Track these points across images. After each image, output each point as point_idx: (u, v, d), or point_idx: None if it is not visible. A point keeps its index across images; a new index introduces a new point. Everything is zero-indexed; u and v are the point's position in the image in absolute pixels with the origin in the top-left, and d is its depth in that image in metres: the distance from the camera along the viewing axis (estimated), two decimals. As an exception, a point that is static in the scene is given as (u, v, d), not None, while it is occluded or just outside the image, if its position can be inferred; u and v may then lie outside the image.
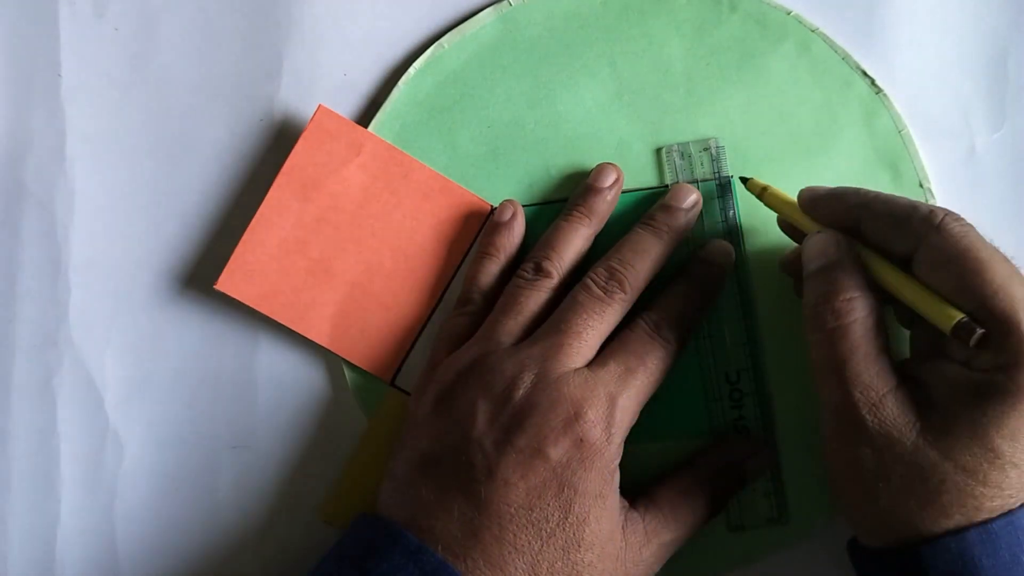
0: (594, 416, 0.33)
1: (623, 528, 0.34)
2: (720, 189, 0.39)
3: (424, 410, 0.36)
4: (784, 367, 0.39)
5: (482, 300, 0.38)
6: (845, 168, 0.40)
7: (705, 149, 0.39)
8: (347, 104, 0.41)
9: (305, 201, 0.39)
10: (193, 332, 0.41)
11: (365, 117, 0.41)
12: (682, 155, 0.39)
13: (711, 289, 0.38)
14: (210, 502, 0.41)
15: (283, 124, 0.41)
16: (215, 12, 0.41)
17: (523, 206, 0.40)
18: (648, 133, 0.40)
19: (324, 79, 0.41)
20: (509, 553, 0.32)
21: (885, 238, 0.33)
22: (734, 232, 0.39)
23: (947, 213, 0.32)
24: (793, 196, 0.36)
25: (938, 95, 0.41)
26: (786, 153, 0.40)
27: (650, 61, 0.40)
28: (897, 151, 0.40)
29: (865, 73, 0.40)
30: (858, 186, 0.35)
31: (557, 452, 0.33)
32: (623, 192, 0.39)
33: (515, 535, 0.32)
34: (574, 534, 0.33)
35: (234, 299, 0.40)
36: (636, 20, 0.40)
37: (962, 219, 0.32)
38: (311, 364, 0.41)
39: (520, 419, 0.33)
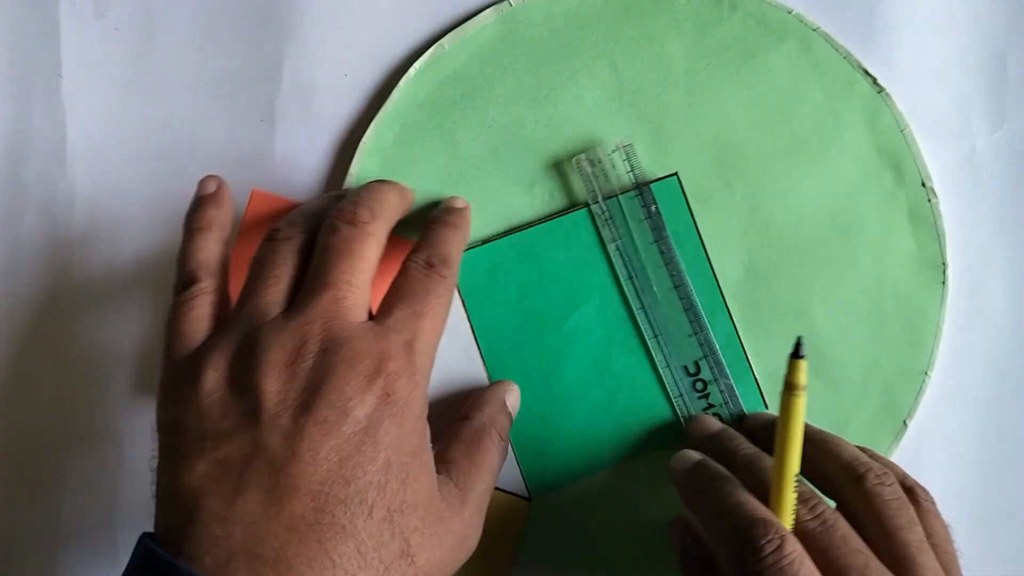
0: (395, 367, 0.31)
1: (440, 489, 0.32)
2: (639, 189, 0.39)
3: (195, 411, 0.30)
4: (768, 352, 0.40)
5: (210, 277, 0.34)
6: (847, 168, 0.40)
7: (614, 150, 0.39)
8: (347, 104, 0.41)
9: None
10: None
11: (365, 117, 0.41)
12: (592, 164, 0.39)
13: (461, 227, 0.37)
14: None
15: (283, 124, 0.41)
16: (215, 12, 0.41)
17: (488, 239, 0.40)
18: (648, 133, 0.40)
19: (324, 79, 0.41)
20: (331, 537, 0.28)
21: (707, 535, 0.33)
22: (659, 227, 0.39)
23: (746, 544, 0.30)
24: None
25: (938, 95, 0.41)
26: (788, 152, 0.40)
27: (650, 61, 0.40)
28: (899, 150, 0.40)
29: (867, 72, 0.40)
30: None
31: (364, 410, 0.30)
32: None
33: (334, 515, 0.29)
34: (395, 497, 0.30)
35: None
36: (636, 20, 0.40)
37: (766, 552, 0.30)
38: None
39: (316, 387, 0.30)
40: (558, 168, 0.40)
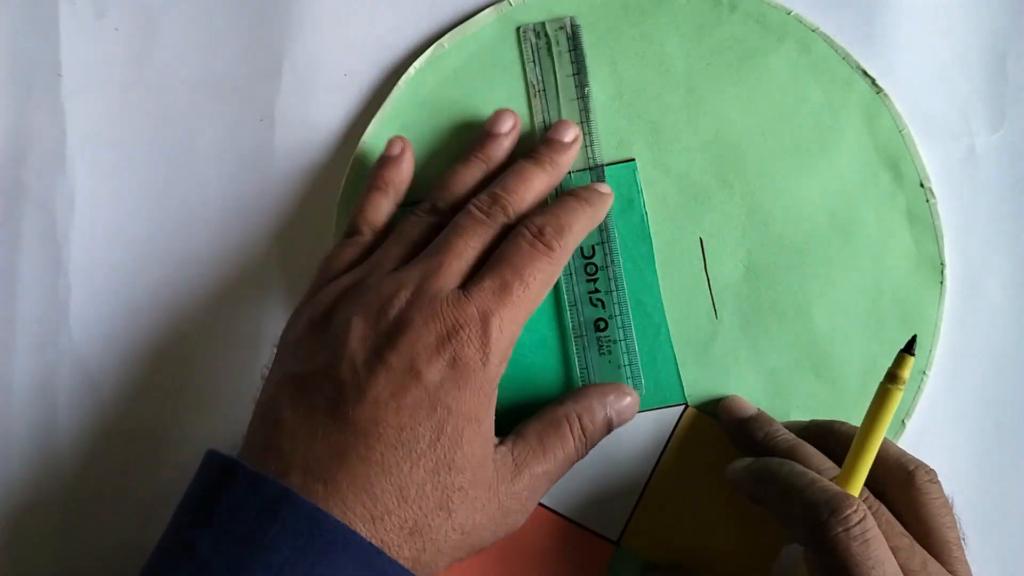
0: (467, 335, 0.32)
1: (494, 459, 0.33)
2: (593, 175, 0.39)
3: (296, 334, 0.34)
4: (768, 351, 0.40)
5: (370, 233, 0.38)
6: (846, 168, 0.40)
7: (561, 27, 0.39)
8: (347, 104, 0.41)
9: None
10: (193, 332, 0.41)
11: (365, 116, 0.41)
12: (537, 34, 0.40)
13: (597, 207, 0.37)
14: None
15: (283, 124, 0.41)
16: (215, 12, 0.41)
17: None
18: (648, 133, 0.40)
19: (324, 79, 0.41)
20: (376, 474, 0.31)
21: (780, 518, 0.33)
22: (606, 224, 0.39)
23: (833, 512, 0.31)
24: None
25: (938, 95, 0.41)
26: (787, 153, 0.40)
27: (650, 61, 0.40)
28: (898, 151, 0.40)
29: (866, 73, 0.40)
30: (768, 466, 0.34)
31: (431, 372, 0.32)
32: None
33: (383, 455, 0.31)
34: (445, 455, 0.32)
35: (232, 298, 0.40)
36: (636, 20, 0.40)
37: (854, 524, 0.30)
38: (311, 364, 0.41)
39: (394, 337, 0.32)
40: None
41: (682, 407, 0.40)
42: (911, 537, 0.33)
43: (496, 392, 0.34)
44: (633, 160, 0.40)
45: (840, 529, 0.30)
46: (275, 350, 0.36)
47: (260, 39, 0.41)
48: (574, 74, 0.40)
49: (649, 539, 0.39)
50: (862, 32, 0.40)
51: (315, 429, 0.31)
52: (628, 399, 0.38)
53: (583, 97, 0.40)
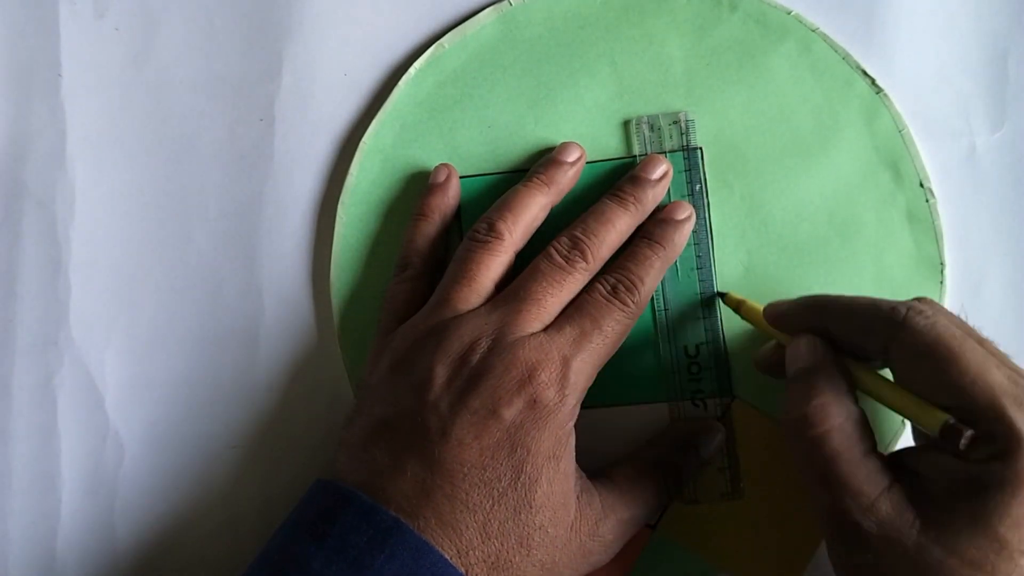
0: (547, 377, 0.33)
1: (578, 499, 0.34)
2: (687, 162, 0.39)
3: (379, 377, 0.36)
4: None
5: (421, 263, 0.39)
6: (845, 168, 0.40)
7: (675, 122, 0.39)
8: (347, 104, 0.41)
9: None
10: (193, 332, 0.41)
11: (365, 117, 0.41)
12: (651, 127, 0.39)
13: (670, 249, 0.37)
14: (210, 502, 0.41)
15: (283, 124, 0.41)
16: (215, 12, 0.41)
17: (493, 173, 0.40)
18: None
19: (324, 79, 0.41)
20: (461, 512, 0.32)
21: (853, 342, 0.33)
22: (699, 207, 0.39)
23: (909, 307, 0.31)
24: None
25: (938, 95, 0.41)
26: (786, 153, 0.40)
27: (650, 61, 0.40)
28: (897, 151, 0.40)
29: (865, 73, 0.40)
30: (822, 294, 0.35)
31: (511, 412, 0.33)
32: (590, 163, 0.40)
33: (467, 494, 0.32)
34: (525, 494, 0.33)
35: (231, 300, 0.40)
36: (636, 20, 0.40)
37: (926, 309, 0.31)
38: (313, 364, 0.41)
39: (475, 381, 0.33)
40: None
41: (729, 399, 0.40)
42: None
43: (573, 433, 0.34)
44: (700, 148, 0.40)
45: (921, 318, 0.31)
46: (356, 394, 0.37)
47: (260, 39, 0.41)
48: (685, 170, 0.39)
49: (686, 527, 0.39)
50: (862, 32, 0.40)
51: (404, 469, 0.33)
52: (718, 437, 0.39)
53: (693, 194, 0.39)
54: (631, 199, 0.38)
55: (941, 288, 0.40)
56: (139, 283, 0.41)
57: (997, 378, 0.30)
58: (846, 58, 0.40)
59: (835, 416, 0.32)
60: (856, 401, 0.33)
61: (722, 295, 0.39)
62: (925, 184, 0.40)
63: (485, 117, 0.40)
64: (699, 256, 0.39)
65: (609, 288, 0.36)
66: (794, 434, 0.33)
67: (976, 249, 0.41)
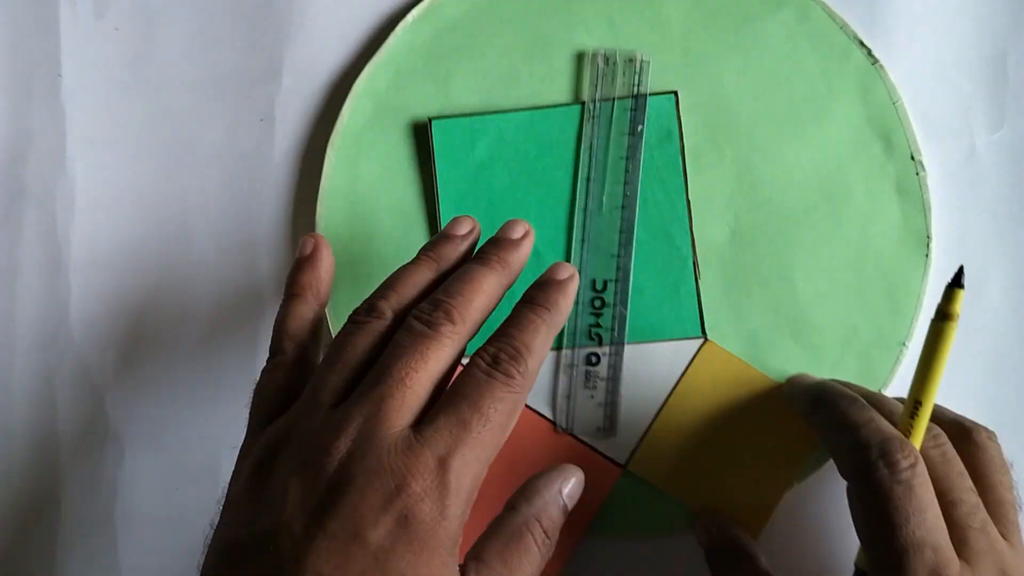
0: (420, 487, 0.28)
1: None
2: (635, 103, 0.40)
3: (236, 490, 0.30)
4: (750, 313, 0.40)
5: (294, 348, 0.34)
6: (837, 137, 0.40)
7: (630, 60, 0.40)
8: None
9: None
10: (193, 332, 0.41)
11: (361, 61, 0.41)
12: (607, 61, 0.39)
13: (555, 313, 0.32)
14: (210, 502, 0.41)
15: (283, 124, 0.41)
16: (215, 12, 0.41)
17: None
18: None
19: (325, 79, 0.41)
20: None
21: (829, 449, 0.34)
22: (636, 147, 0.39)
23: (884, 454, 0.31)
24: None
25: (938, 95, 0.41)
26: (780, 119, 0.40)
27: (648, 21, 0.40)
28: (890, 122, 0.40)
29: (862, 43, 0.40)
30: (843, 395, 0.35)
31: (377, 534, 0.27)
32: (533, 109, 0.40)
33: None
34: None
35: (231, 300, 0.40)
36: None
37: (901, 463, 0.31)
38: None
39: (334, 497, 0.28)
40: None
41: (700, 340, 0.40)
42: (977, 495, 0.32)
43: (459, 545, 0.29)
44: (675, 92, 0.40)
45: (886, 472, 0.31)
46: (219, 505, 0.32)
47: (260, 39, 0.41)
48: (632, 109, 0.40)
49: (655, 466, 0.40)
50: (862, 32, 0.40)
51: None
52: (574, 479, 0.33)
53: (634, 134, 0.40)
54: (495, 259, 0.33)
55: (927, 261, 0.40)
56: (139, 283, 0.41)
57: (919, 569, 0.30)
58: (843, 28, 0.40)
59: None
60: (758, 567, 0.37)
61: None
62: (916, 157, 0.40)
63: (480, 67, 0.40)
64: (626, 195, 0.40)
65: (489, 359, 0.30)
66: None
67: (976, 249, 0.41)
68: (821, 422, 0.34)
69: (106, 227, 0.41)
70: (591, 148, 0.40)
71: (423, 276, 0.33)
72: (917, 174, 0.40)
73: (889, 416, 0.34)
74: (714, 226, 0.40)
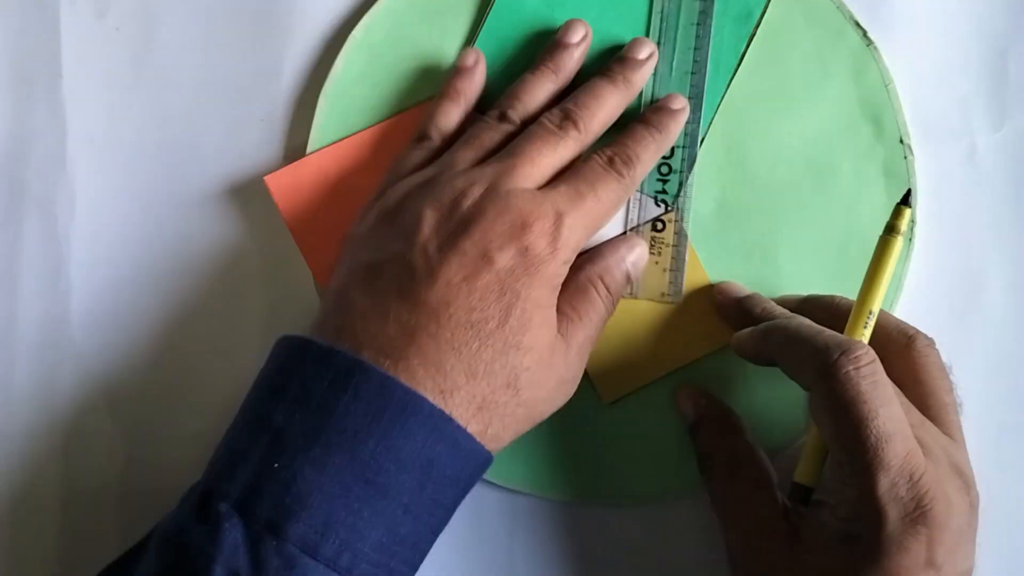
0: (540, 228, 0.34)
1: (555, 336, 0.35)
2: (703, 16, 0.40)
3: (366, 226, 0.36)
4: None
5: (439, 139, 0.38)
6: (828, 116, 0.40)
7: None
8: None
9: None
10: (193, 333, 0.41)
11: (358, 14, 0.41)
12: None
13: (665, 135, 0.38)
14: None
15: (283, 124, 0.41)
16: (215, 12, 0.41)
17: None
18: None
19: (325, 79, 0.41)
20: (445, 352, 0.32)
21: (791, 372, 0.34)
22: (707, 13, 0.39)
23: (844, 352, 0.32)
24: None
25: (938, 95, 0.41)
26: (772, 96, 0.40)
27: None
28: (881, 105, 0.40)
29: (858, 24, 0.40)
30: (759, 297, 0.38)
31: (502, 258, 0.33)
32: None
33: (452, 333, 0.32)
34: (513, 337, 0.33)
35: (232, 299, 0.40)
36: None
37: (862, 357, 0.32)
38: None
39: (466, 225, 0.33)
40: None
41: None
42: (907, 399, 0.34)
43: (560, 287, 0.35)
44: None
45: (851, 367, 0.31)
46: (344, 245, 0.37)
47: (260, 39, 0.41)
48: (696, 22, 0.40)
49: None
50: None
51: (387, 311, 0.33)
52: (638, 249, 0.39)
53: (701, 48, 0.40)
54: (620, 78, 0.38)
55: (910, 245, 0.40)
56: (139, 283, 0.41)
57: (892, 458, 0.31)
58: (840, 8, 0.40)
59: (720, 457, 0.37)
60: (744, 439, 0.38)
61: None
62: (905, 140, 0.40)
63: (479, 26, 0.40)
64: (696, 61, 0.40)
65: (606, 159, 0.36)
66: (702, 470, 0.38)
67: (976, 249, 0.41)
68: (776, 347, 0.35)
69: (106, 227, 0.41)
70: (662, 12, 0.40)
71: (545, 88, 0.38)
72: (905, 158, 0.40)
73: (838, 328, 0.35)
74: (700, 198, 0.40)
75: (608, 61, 0.39)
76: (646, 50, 0.39)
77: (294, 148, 0.41)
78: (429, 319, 0.32)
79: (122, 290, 0.41)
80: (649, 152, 0.37)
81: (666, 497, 0.40)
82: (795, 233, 0.40)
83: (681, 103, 0.39)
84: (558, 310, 0.36)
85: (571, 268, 0.37)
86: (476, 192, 0.34)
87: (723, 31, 0.40)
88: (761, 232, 0.40)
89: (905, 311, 0.40)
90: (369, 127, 0.40)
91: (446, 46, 0.40)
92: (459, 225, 0.33)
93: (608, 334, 0.39)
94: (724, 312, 0.39)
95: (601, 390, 0.40)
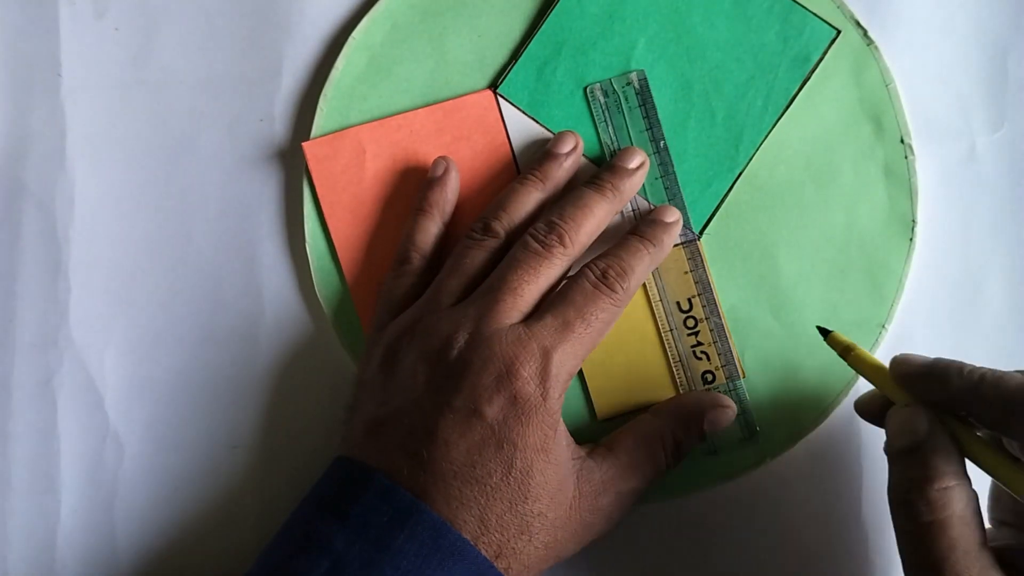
0: (527, 372, 0.33)
1: (577, 478, 0.35)
2: (646, 119, 0.40)
3: (371, 373, 0.36)
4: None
5: (420, 259, 0.38)
6: (828, 116, 0.40)
7: (628, 84, 0.40)
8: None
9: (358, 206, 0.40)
10: (193, 332, 0.41)
11: (358, 15, 0.41)
12: (605, 93, 0.40)
13: (659, 249, 0.37)
14: (210, 502, 0.41)
15: (283, 124, 0.41)
16: (215, 12, 0.41)
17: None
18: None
19: (325, 79, 0.41)
20: (456, 508, 0.33)
21: (995, 424, 0.30)
22: (659, 131, 0.39)
23: None
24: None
25: (938, 95, 0.41)
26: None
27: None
28: (882, 104, 0.40)
29: (858, 23, 0.40)
30: (953, 360, 0.32)
31: (492, 410, 0.33)
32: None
33: (460, 491, 0.33)
34: (519, 487, 0.33)
35: (231, 300, 0.40)
36: None
37: None
38: (312, 362, 0.41)
39: (455, 379, 0.34)
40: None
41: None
42: None
43: (560, 420, 0.35)
44: (839, 32, 0.39)
45: None
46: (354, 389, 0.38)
47: (260, 39, 0.41)
48: (647, 129, 0.40)
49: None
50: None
51: (400, 469, 0.33)
52: (727, 412, 0.38)
53: (659, 151, 0.40)
54: (608, 187, 0.37)
55: (910, 245, 0.40)
56: (139, 283, 0.41)
57: None
58: (840, 7, 0.40)
59: (957, 502, 0.30)
60: (971, 483, 0.31)
61: (825, 332, 0.36)
62: (906, 140, 0.40)
63: (476, 26, 0.40)
64: (654, 140, 0.40)
65: (598, 273, 0.36)
66: (906, 515, 0.31)
67: (976, 249, 0.41)
68: (955, 392, 0.31)
69: (106, 227, 0.41)
70: (601, 107, 0.40)
71: (532, 197, 0.38)
72: (906, 157, 0.40)
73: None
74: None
75: (598, 171, 0.39)
76: (636, 159, 0.38)
77: (294, 148, 0.41)
78: (436, 477, 0.33)
79: (122, 290, 0.41)
80: (643, 264, 0.36)
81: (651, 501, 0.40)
82: (795, 232, 0.40)
83: (674, 216, 0.38)
84: (612, 452, 0.36)
85: (650, 412, 0.37)
86: (460, 339, 0.34)
87: (777, 70, 0.40)
88: (761, 231, 0.40)
89: (905, 311, 0.40)
90: (412, 110, 0.40)
91: (446, 46, 0.40)
92: (448, 380, 0.34)
93: (612, 359, 0.39)
94: (907, 383, 0.33)
95: (597, 408, 0.40)
